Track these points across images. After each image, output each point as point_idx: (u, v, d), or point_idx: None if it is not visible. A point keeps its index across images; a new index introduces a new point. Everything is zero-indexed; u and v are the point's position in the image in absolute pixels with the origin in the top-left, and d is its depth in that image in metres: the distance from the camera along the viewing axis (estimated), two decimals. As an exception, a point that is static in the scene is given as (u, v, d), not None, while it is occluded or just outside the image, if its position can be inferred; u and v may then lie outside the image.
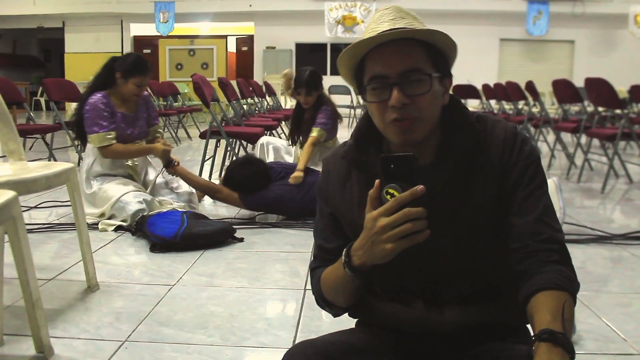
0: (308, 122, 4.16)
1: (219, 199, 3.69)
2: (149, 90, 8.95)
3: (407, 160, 0.93)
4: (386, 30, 1.02)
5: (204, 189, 3.69)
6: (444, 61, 1.07)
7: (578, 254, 2.85)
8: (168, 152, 3.54)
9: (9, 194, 1.65)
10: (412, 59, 1.02)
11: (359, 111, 11.50)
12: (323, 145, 4.18)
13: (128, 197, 3.33)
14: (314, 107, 4.17)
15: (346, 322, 1.25)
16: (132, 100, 3.54)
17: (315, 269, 1.20)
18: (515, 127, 1.10)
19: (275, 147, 4.69)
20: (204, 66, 17.29)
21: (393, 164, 0.93)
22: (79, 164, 3.96)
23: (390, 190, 0.94)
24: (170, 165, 3.55)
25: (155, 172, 3.78)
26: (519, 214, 1.04)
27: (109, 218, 3.35)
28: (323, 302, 1.18)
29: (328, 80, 13.92)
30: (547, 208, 1.06)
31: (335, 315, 1.20)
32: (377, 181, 0.96)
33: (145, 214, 3.20)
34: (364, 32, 1.07)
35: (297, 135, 4.31)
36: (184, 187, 3.70)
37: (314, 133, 4.03)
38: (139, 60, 3.50)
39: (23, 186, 1.95)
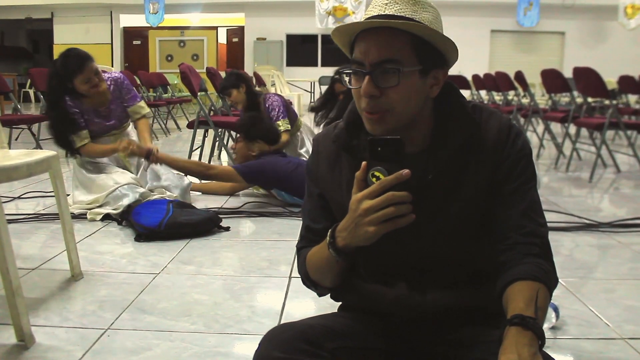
0: None
1: (212, 177, 3.52)
2: (138, 79, 8.93)
3: (394, 144, 0.94)
4: (373, 17, 1.01)
5: (195, 171, 3.47)
6: (433, 52, 1.04)
7: (566, 242, 2.86)
8: (133, 153, 3.33)
9: (-13, 180, 1.63)
10: (390, 49, 1.00)
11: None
12: (292, 133, 4.21)
13: (127, 189, 3.29)
14: (251, 103, 4.21)
15: (330, 309, 1.24)
16: (94, 95, 3.34)
17: (301, 248, 1.21)
18: (509, 119, 1.10)
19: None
20: (195, 57, 17.22)
21: (380, 146, 0.94)
22: (66, 155, 3.90)
23: (376, 173, 0.94)
24: (150, 155, 3.32)
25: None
26: (505, 206, 1.05)
27: (101, 206, 3.30)
28: (308, 281, 1.19)
29: (318, 72, 14.02)
30: (534, 202, 1.06)
31: (320, 294, 1.22)
32: (363, 163, 0.96)
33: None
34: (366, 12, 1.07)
35: None
36: (175, 181, 3.59)
37: (281, 127, 4.04)
38: (70, 59, 3.24)
39: (4, 174, 1.92)
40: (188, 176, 3.73)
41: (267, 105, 4.14)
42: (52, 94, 3.37)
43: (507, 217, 1.04)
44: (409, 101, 1.03)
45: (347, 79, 1.06)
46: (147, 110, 3.66)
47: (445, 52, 1.05)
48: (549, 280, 1.00)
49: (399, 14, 1.01)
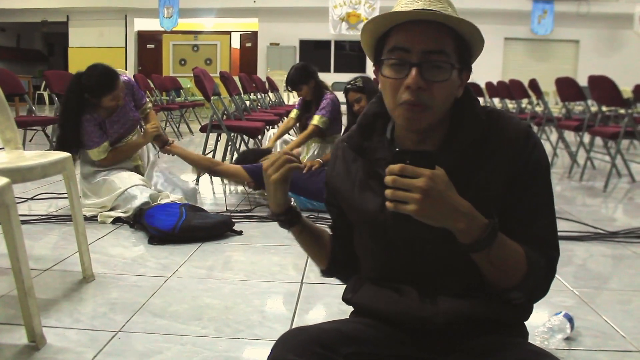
0: (312, 113, 4.21)
1: (219, 173, 3.65)
2: (152, 83, 8.99)
3: (428, 157, 0.89)
4: (420, 10, 0.99)
5: (204, 164, 3.63)
6: (468, 54, 1.05)
7: (579, 252, 2.82)
8: (158, 134, 3.52)
9: (1, 180, 1.63)
10: (439, 42, 1.00)
11: (361, 108, 11.46)
12: (326, 141, 4.18)
13: (135, 190, 3.27)
14: (316, 98, 4.20)
15: (342, 315, 1.24)
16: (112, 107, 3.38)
17: None
18: (528, 125, 1.08)
19: (283, 139, 4.66)
20: (208, 62, 17.29)
21: (409, 159, 0.89)
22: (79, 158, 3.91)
23: None
24: (165, 145, 3.51)
25: (157, 166, 3.69)
26: (523, 222, 1.04)
27: (111, 209, 3.30)
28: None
29: (331, 77, 13.98)
30: (552, 223, 1.07)
31: (322, 275, 1.31)
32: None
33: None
34: (396, 5, 1.04)
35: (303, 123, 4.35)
36: (184, 185, 3.64)
37: (314, 121, 4.08)
38: (104, 77, 3.25)
39: (18, 174, 1.93)
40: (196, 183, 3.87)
41: (323, 99, 4.16)
42: (72, 106, 3.31)
43: (525, 234, 1.03)
44: (447, 99, 1.02)
45: (391, 67, 1.02)
46: (150, 103, 3.82)
47: (474, 54, 1.06)
48: (536, 274, 1.01)
49: (444, 12, 0.99)
